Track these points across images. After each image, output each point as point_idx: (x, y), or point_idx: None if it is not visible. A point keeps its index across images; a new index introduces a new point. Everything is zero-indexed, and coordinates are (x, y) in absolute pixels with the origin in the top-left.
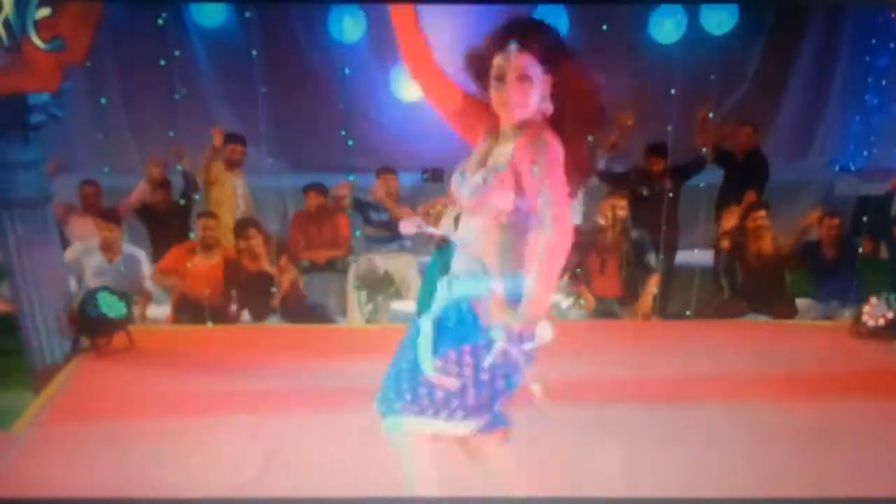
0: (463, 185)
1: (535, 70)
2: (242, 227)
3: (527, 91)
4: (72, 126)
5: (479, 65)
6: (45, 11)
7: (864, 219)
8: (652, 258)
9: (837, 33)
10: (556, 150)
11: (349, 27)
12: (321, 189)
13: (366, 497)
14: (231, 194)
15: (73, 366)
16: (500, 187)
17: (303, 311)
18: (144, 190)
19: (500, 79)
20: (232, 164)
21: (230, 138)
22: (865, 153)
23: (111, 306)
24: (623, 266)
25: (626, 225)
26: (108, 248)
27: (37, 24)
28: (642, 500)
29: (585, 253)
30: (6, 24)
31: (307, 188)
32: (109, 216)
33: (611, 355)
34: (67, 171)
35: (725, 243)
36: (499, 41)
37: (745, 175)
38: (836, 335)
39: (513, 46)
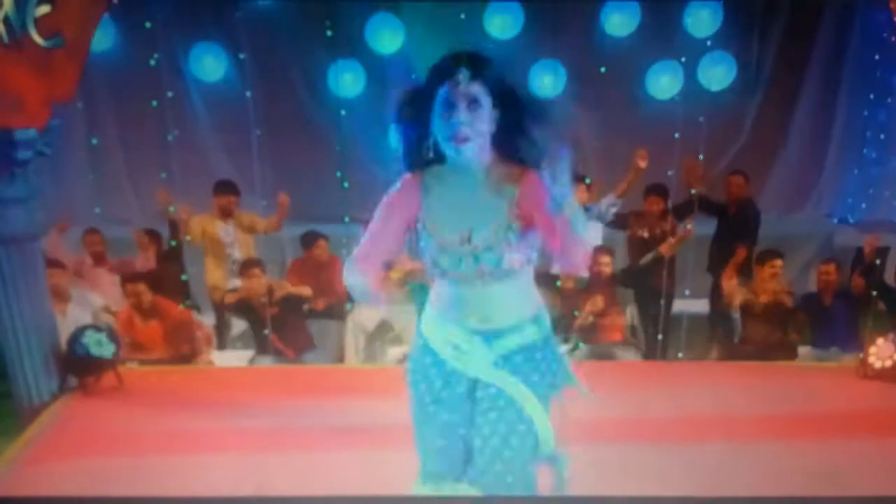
0: (457, 253)
1: (486, 100)
2: (246, 267)
3: (478, 117)
4: (62, 166)
5: (422, 98)
6: (45, 9)
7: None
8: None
9: (835, 88)
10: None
11: (348, 83)
12: (319, 237)
13: (366, 497)
14: (219, 246)
15: (60, 405)
16: (524, 235)
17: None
18: (149, 260)
19: (451, 106)
20: (225, 214)
21: (221, 188)
22: (864, 206)
23: (99, 345)
24: (624, 311)
25: (616, 277)
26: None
27: (37, 21)
28: (642, 499)
29: (586, 296)
30: (6, 21)
31: (306, 236)
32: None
33: (612, 396)
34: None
35: (728, 291)
36: (447, 70)
37: (737, 226)
38: (841, 376)
39: (463, 74)
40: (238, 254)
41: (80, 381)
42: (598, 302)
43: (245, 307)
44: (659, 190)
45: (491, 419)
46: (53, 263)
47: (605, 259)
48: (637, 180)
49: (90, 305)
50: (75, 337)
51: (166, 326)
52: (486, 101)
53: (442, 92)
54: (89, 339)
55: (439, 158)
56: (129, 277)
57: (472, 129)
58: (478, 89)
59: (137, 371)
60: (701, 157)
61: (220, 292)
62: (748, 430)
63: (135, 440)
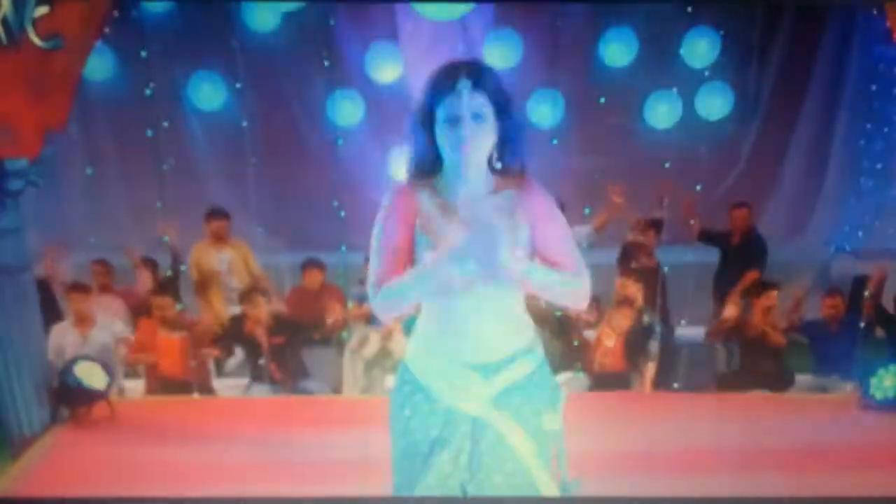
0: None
1: (489, 111)
2: (248, 294)
3: (483, 131)
4: (57, 196)
5: (423, 115)
6: (43, 9)
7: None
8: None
9: (832, 118)
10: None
11: (347, 111)
12: (318, 265)
13: (366, 497)
14: (214, 276)
15: (52, 436)
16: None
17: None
18: (146, 279)
19: (454, 120)
20: (217, 240)
21: (212, 215)
22: (861, 234)
23: (91, 376)
24: (630, 341)
25: (640, 306)
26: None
27: (35, 22)
28: (642, 499)
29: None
30: (4, 22)
31: (305, 264)
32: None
33: (613, 428)
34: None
35: (728, 321)
36: (448, 81)
37: (744, 256)
38: (841, 407)
39: (465, 84)
40: (235, 282)
41: (72, 412)
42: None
43: (241, 333)
44: (654, 225)
45: (488, 465)
46: (77, 288)
47: (637, 285)
48: (614, 216)
49: (112, 330)
50: (67, 368)
51: (190, 338)
52: (489, 113)
53: (444, 107)
54: (81, 369)
55: (438, 168)
56: (155, 291)
57: (477, 142)
58: (480, 101)
59: (130, 402)
60: (699, 187)
61: (219, 322)
62: (748, 464)
63: (127, 472)
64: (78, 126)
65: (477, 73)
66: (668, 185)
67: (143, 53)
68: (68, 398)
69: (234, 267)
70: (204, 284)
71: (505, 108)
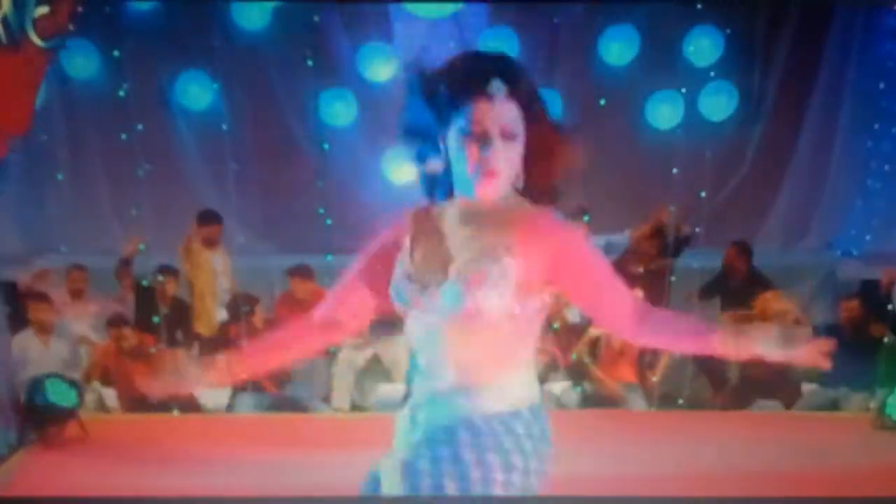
0: (432, 294)
1: (520, 127)
2: (241, 302)
3: (513, 149)
4: (25, 203)
5: (435, 112)
6: (43, 9)
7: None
8: None
9: (838, 118)
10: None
11: (340, 112)
12: (306, 271)
13: (366, 496)
14: (210, 276)
15: (19, 458)
16: (527, 282)
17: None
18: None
19: (483, 137)
20: (209, 244)
21: (204, 218)
22: (868, 238)
23: (61, 394)
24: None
25: None
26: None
27: (35, 21)
28: (641, 499)
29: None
30: (4, 22)
31: (292, 271)
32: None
33: (614, 447)
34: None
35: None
36: (474, 81)
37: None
38: (854, 427)
39: (497, 86)
40: (226, 283)
41: (42, 433)
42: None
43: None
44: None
45: None
46: (38, 297)
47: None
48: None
49: (70, 337)
50: (36, 385)
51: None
52: (521, 131)
53: (466, 112)
54: (51, 387)
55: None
56: (113, 321)
57: (503, 163)
58: (514, 112)
59: (104, 421)
60: (703, 193)
61: (210, 324)
62: (758, 486)
63: (101, 498)
64: (46, 129)
65: (512, 73)
66: (665, 213)
67: (116, 53)
68: (37, 418)
69: (226, 269)
70: (200, 286)
71: (537, 117)
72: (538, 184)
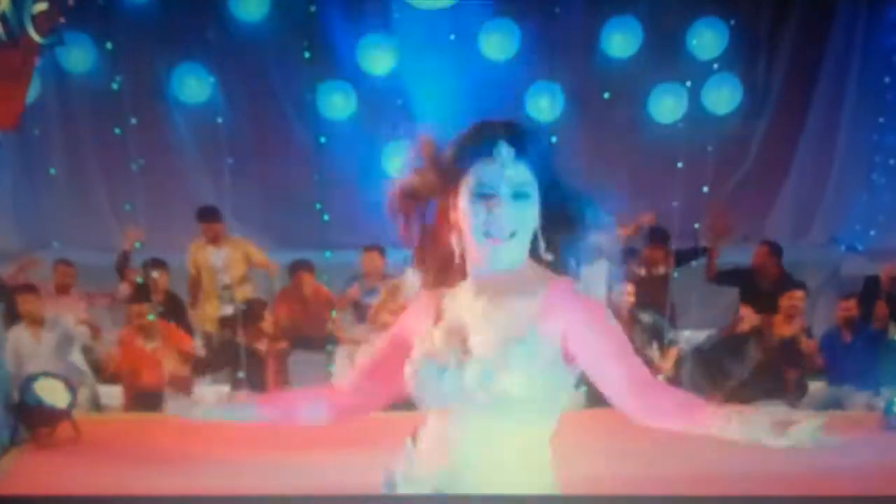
0: (455, 375)
1: (533, 189)
2: (255, 309)
3: (528, 213)
4: (17, 198)
5: (442, 184)
6: (42, 6)
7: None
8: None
9: (843, 112)
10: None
11: (339, 104)
12: (308, 267)
13: (366, 496)
14: (210, 273)
15: (11, 459)
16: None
17: None
18: (126, 287)
19: (489, 197)
20: (211, 241)
21: (201, 215)
22: (872, 233)
23: (53, 394)
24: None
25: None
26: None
27: (34, 18)
28: (642, 499)
29: None
30: (3, 18)
31: (294, 266)
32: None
33: (617, 447)
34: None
35: (743, 321)
36: (481, 144)
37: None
38: (860, 428)
39: (506, 150)
40: (227, 279)
41: (33, 433)
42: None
43: (233, 333)
44: (661, 235)
45: None
46: (26, 289)
47: (629, 289)
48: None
49: (63, 328)
50: (27, 385)
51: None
52: (534, 191)
53: (477, 176)
54: (42, 387)
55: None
56: (133, 299)
57: (515, 226)
58: (524, 174)
59: (98, 422)
60: (705, 188)
61: (212, 322)
62: (764, 487)
63: (94, 500)
64: (39, 123)
65: (520, 137)
66: (651, 218)
67: (109, 45)
68: (28, 418)
69: (229, 263)
70: (198, 283)
71: (554, 185)
72: (557, 251)
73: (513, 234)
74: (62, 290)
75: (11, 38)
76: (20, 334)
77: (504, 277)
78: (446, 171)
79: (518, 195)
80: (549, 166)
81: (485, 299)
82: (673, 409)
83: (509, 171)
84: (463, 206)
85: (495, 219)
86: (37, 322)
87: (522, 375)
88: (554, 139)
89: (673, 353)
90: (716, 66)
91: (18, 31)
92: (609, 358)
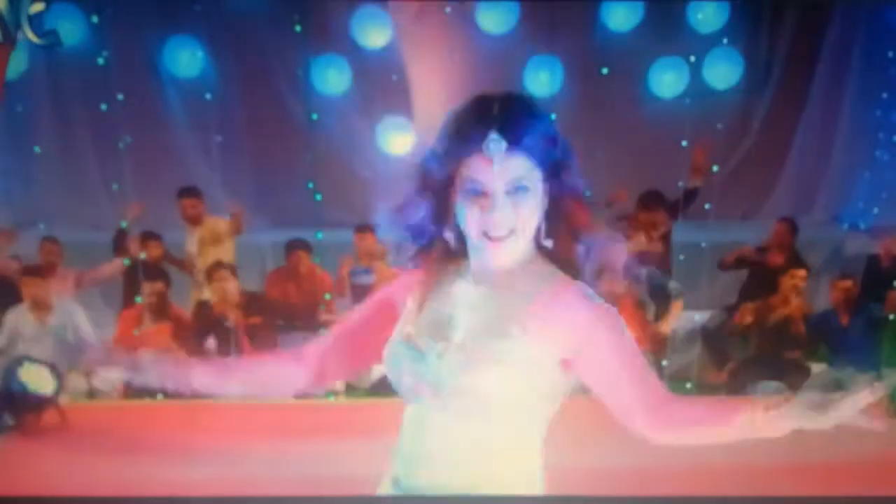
0: (430, 362)
1: (534, 179)
2: (214, 269)
3: (524, 205)
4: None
5: (436, 180)
6: (39, 6)
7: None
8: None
9: (846, 87)
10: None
11: (332, 79)
12: (298, 247)
13: (366, 496)
14: (189, 255)
15: None
16: (539, 363)
17: None
18: (117, 268)
19: (481, 194)
20: (192, 222)
21: (183, 193)
22: (876, 211)
23: (37, 380)
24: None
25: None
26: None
27: (31, 18)
28: (642, 499)
29: None
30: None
31: (291, 245)
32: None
33: (610, 437)
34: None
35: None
36: (470, 135)
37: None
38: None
39: (495, 144)
40: (200, 263)
41: (18, 420)
42: None
43: (210, 316)
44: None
45: None
46: (31, 271)
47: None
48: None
49: (72, 314)
50: (11, 370)
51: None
52: (533, 179)
53: (467, 171)
54: (27, 373)
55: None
56: (148, 275)
57: (514, 223)
58: (520, 165)
59: (85, 407)
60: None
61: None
62: (768, 481)
63: (80, 486)
64: (21, 100)
65: (515, 124)
66: (623, 194)
67: (95, 19)
68: (13, 405)
69: (200, 248)
70: (187, 267)
71: (558, 166)
72: (562, 250)
73: (512, 232)
74: (50, 269)
75: (8, 38)
76: (23, 318)
77: (506, 271)
78: (441, 161)
79: (514, 190)
80: (552, 151)
81: (480, 290)
82: (695, 419)
83: (503, 166)
84: (458, 204)
85: (490, 218)
86: (42, 306)
87: (501, 374)
88: (553, 116)
89: (678, 306)
90: (718, 39)
91: (15, 32)
92: (621, 375)
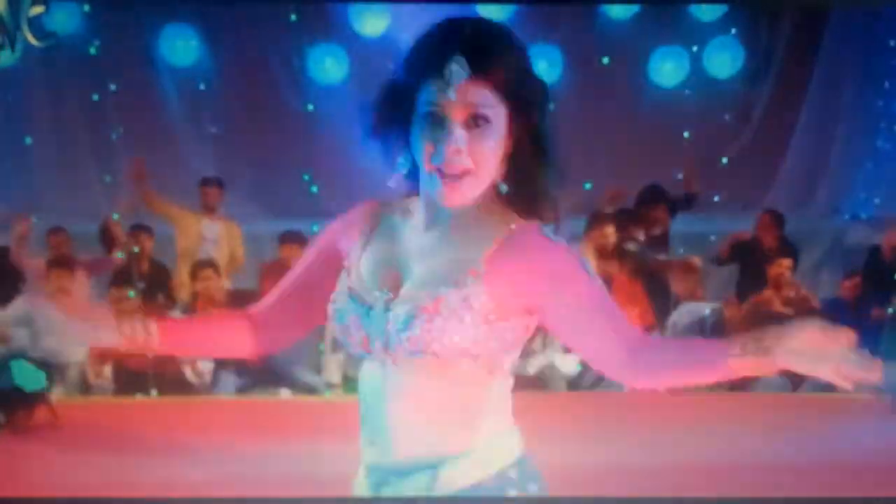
0: (380, 318)
1: (498, 111)
2: (198, 268)
3: (484, 138)
4: None
5: (394, 103)
6: (39, 9)
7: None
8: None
9: (849, 77)
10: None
11: (330, 69)
12: (297, 239)
13: (366, 497)
14: (195, 241)
15: None
16: (498, 312)
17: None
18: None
19: (439, 123)
20: (206, 209)
21: (206, 182)
22: (877, 201)
23: (27, 377)
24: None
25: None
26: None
27: (31, 21)
28: (642, 499)
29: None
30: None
31: (284, 238)
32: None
33: (611, 434)
34: None
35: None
36: (432, 59)
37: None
38: (877, 412)
39: (456, 69)
40: (216, 255)
41: (9, 418)
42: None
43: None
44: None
45: None
46: (60, 263)
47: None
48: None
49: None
50: (1, 368)
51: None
52: (496, 113)
53: (425, 94)
54: (17, 369)
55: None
56: (115, 281)
57: (471, 158)
58: (483, 95)
59: (78, 405)
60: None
61: (187, 291)
62: (773, 480)
63: (71, 484)
64: (11, 91)
65: (483, 49)
66: (622, 190)
67: (87, 8)
68: (4, 402)
69: (219, 242)
70: (184, 254)
71: (527, 104)
72: (521, 190)
73: (466, 173)
74: (64, 261)
75: (7, 41)
76: (41, 310)
77: (460, 213)
78: (400, 90)
79: (473, 122)
80: (521, 87)
81: (431, 233)
82: (674, 358)
83: (463, 93)
84: (412, 132)
85: (445, 150)
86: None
87: (455, 325)
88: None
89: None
90: (719, 28)
91: (14, 35)
92: (593, 318)
